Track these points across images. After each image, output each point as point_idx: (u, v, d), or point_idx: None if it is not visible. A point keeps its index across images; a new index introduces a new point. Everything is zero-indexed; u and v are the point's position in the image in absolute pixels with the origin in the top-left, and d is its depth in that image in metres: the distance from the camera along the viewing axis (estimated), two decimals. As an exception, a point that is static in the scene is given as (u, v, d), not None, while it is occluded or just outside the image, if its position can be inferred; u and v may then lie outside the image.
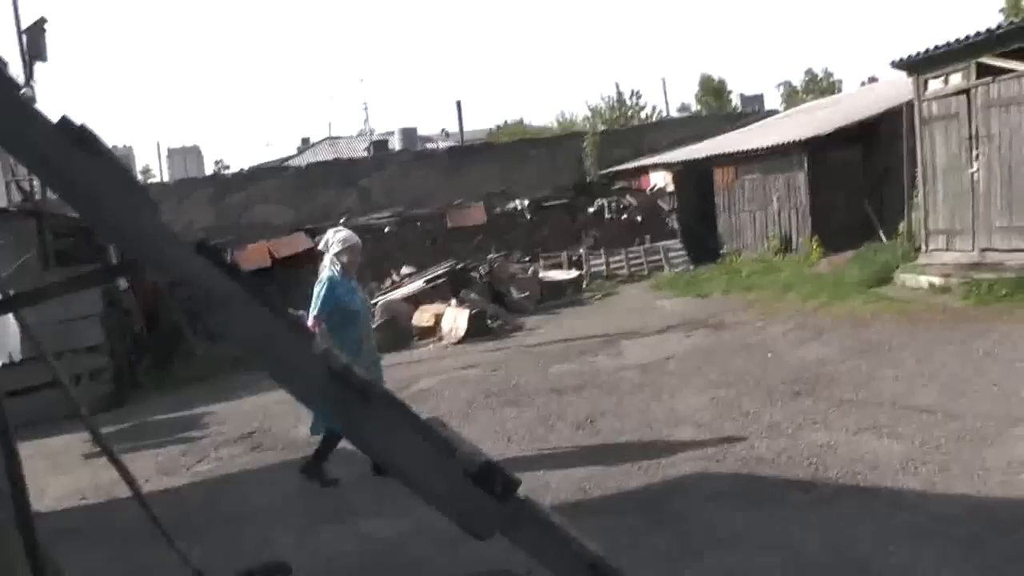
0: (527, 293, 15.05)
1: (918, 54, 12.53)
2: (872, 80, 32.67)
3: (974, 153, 11.79)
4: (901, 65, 12.97)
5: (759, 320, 10.90)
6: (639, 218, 19.01)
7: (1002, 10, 31.46)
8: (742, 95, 44.40)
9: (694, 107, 45.42)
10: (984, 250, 11.58)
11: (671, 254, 17.78)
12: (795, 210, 16.14)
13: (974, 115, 11.81)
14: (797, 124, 18.68)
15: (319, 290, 5.89)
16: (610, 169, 21.85)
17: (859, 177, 15.78)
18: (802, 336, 9.56)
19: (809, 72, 50.67)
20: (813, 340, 9.24)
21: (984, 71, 11.76)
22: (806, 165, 15.71)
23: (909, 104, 13.18)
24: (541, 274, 16.25)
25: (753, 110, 32.33)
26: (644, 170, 20.73)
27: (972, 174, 11.82)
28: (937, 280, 11.15)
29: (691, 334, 10.60)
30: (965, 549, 3.93)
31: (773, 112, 28.65)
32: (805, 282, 12.70)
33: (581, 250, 17.88)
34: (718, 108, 40.04)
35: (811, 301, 11.49)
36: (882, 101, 16.25)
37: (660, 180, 19.95)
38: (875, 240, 14.38)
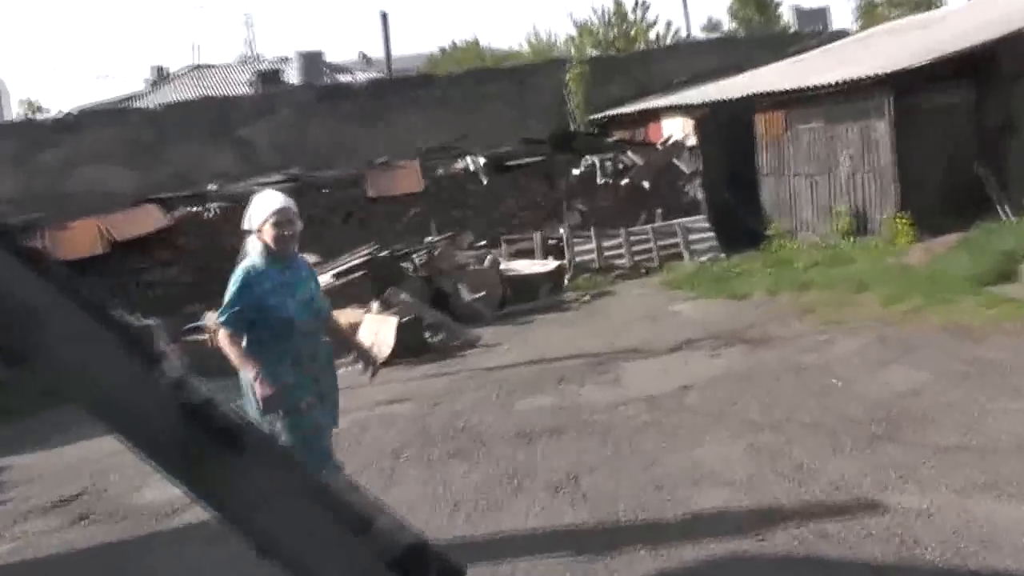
0: (483, 293, 15.07)
1: None
2: None
3: None
4: None
5: (820, 332, 10.98)
6: (646, 184, 19.16)
7: None
8: (797, 8, 44.90)
9: (727, 24, 45.52)
10: None
11: (693, 237, 17.89)
12: (873, 174, 16.21)
13: None
14: (878, 52, 18.85)
15: (231, 285, 5.63)
16: (604, 114, 22.00)
17: (968, 129, 15.88)
18: (883, 355, 9.65)
19: None
20: (899, 361, 9.32)
21: None
22: (890, 111, 15.76)
23: None
24: (504, 265, 16.27)
25: (814, 30, 32.51)
26: (653, 115, 20.81)
27: None
28: None
29: (721, 353, 10.67)
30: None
31: (843, 34, 28.88)
32: (888, 278, 12.86)
33: (562, 230, 17.97)
34: (762, 26, 40.10)
35: (897, 305, 11.70)
36: (1004, 22, 16.34)
37: (676, 130, 20.04)
38: (992, 218, 14.54)
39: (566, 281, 16.27)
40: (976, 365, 8.77)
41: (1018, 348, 9.17)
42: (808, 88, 17.09)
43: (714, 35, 41.23)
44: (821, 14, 43.45)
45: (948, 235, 14.11)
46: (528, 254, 17.40)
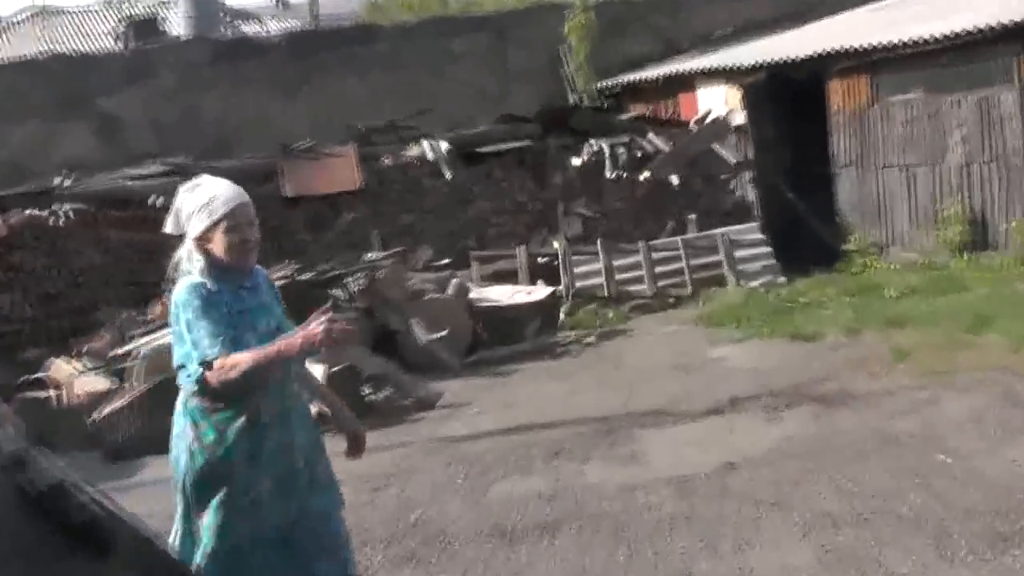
0: (445, 332, 15.07)
1: None
2: None
3: None
4: None
5: (921, 388, 11.02)
6: (675, 180, 19.26)
7: None
8: None
9: None
10: None
11: (741, 253, 18.05)
12: (998, 165, 16.45)
13: None
14: None
15: (186, 314, 5.24)
16: (616, 80, 22.19)
17: None
18: (1012, 420, 9.64)
19: None
20: None
21: None
22: (1018, 76, 15.99)
23: None
24: (476, 293, 16.33)
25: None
26: (686, 83, 21.09)
27: None
28: None
29: (781, 416, 10.68)
30: None
31: None
32: (1020, 311, 12.92)
33: (557, 244, 18.03)
34: None
35: None
36: None
37: (718, 104, 20.30)
38: None
39: (562, 315, 16.28)
40: None
41: None
42: (905, 43, 17.21)
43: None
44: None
45: None
46: (509, 277, 17.35)
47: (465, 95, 21.38)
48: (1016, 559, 6.66)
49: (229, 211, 5.27)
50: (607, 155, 19.52)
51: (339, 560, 5.44)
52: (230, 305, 5.28)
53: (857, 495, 8.09)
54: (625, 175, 19.23)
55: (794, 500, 8.18)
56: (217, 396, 5.14)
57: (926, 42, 16.96)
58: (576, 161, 19.54)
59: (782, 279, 17.23)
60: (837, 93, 18.80)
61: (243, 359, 4.95)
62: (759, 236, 18.26)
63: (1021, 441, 8.98)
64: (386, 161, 19.69)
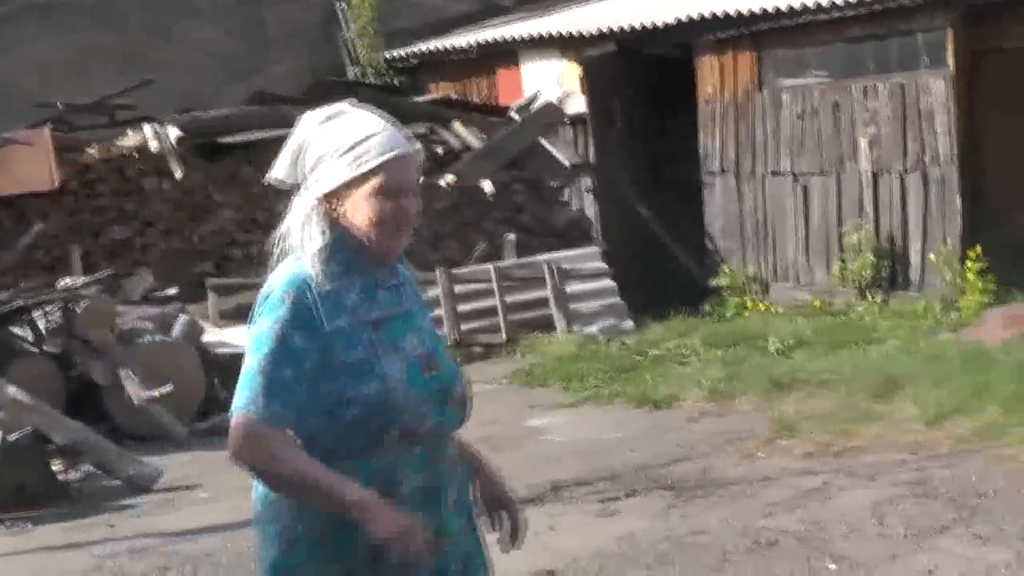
0: (170, 388, 14.55)
1: None
2: None
3: None
4: None
5: (808, 473, 11.27)
6: (487, 186, 19.29)
7: None
8: None
9: None
10: None
11: (576, 287, 18.06)
12: (921, 174, 16.85)
13: None
14: None
15: (262, 325, 4.40)
16: (410, 49, 22.44)
17: None
18: (927, 515, 9.82)
19: None
20: (955, 530, 9.47)
21: None
22: (951, 55, 16.46)
23: None
24: (212, 336, 16.19)
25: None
26: (507, 55, 21.27)
27: None
28: None
29: (620, 508, 10.61)
30: None
31: None
32: (940, 371, 13.19)
33: None
34: None
35: (955, 421, 12.10)
36: None
37: (549, 83, 20.43)
38: None
39: None
40: None
41: None
42: (801, 8, 17.41)
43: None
44: None
45: None
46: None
47: (204, 64, 21.12)
48: None
49: (389, 161, 4.32)
50: (397, 150, 19.46)
51: None
52: (360, 313, 4.41)
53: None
54: (420, 179, 18.80)
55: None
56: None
57: (828, 8, 17.13)
58: (356, 157, 19.26)
59: (629, 324, 17.33)
60: (710, 74, 18.95)
61: (293, 462, 4.15)
62: (600, 265, 18.27)
63: (934, 544, 9.14)
64: (93, 153, 19.09)
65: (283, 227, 4.44)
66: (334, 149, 4.34)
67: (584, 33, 20.17)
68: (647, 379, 14.66)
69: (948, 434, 11.71)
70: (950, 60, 16.26)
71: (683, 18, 18.89)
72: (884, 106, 16.94)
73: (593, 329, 17.28)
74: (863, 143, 17.11)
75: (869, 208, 17.15)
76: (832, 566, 8.83)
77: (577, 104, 19.86)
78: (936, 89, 16.33)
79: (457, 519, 4.61)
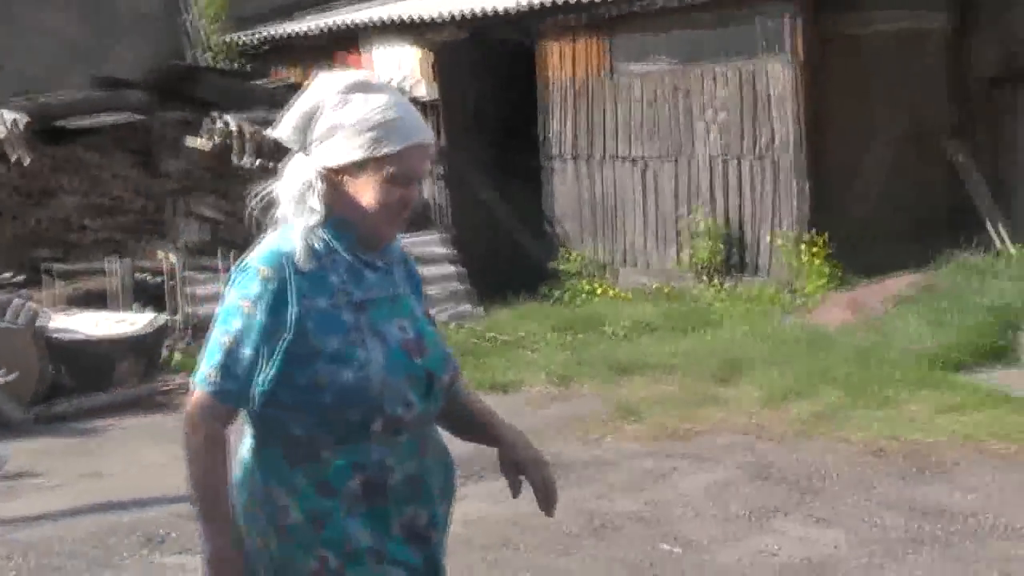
0: (6, 375, 14.01)
1: None
2: None
3: None
4: None
5: (649, 456, 11.20)
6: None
7: None
8: None
9: None
10: None
11: (423, 272, 17.45)
12: (762, 160, 16.95)
13: None
14: None
15: (230, 297, 4.14)
16: (256, 33, 22.12)
17: (942, 82, 16.98)
18: (763, 498, 9.86)
19: None
20: (794, 510, 9.54)
21: None
22: (793, 40, 16.51)
23: None
24: (54, 322, 15.45)
25: None
26: (352, 41, 21.07)
27: None
28: None
29: (467, 493, 9.98)
30: None
31: None
32: (780, 354, 13.66)
33: (170, 256, 17.44)
34: None
35: (793, 405, 12.22)
36: None
37: (398, 70, 20.10)
38: (977, 246, 15.33)
39: (174, 354, 15.56)
40: (934, 521, 9.07)
41: (1011, 488, 9.67)
42: None
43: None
44: None
45: (896, 277, 14.74)
46: (100, 301, 16.62)
47: (48, 48, 20.59)
48: None
49: (406, 148, 3.98)
50: (237, 137, 18.83)
51: None
52: (346, 288, 4.06)
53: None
54: (267, 165, 18.06)
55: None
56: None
57: None
58: (198, 143, 18.75)
59: (477, 309, 17.07)
60: (555, 59, 18.94)
61: (203, 458, 3.91)
62: (445, 251, 18.08)
63: (772, 525, 9.19)
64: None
65: (272, 194, 4.15)
66: (353, 123, 3.98)
67: (433, 18, 19.88)
68: (492, 365, 14.37)
69: (788, 417, 11.78)
70: (797, 47, 16.16)
71: (529, 4, 18.65)
72: (729, 92, 16.92)
73: (443, 315, 16.76)
74: (704, 128, 17.08)
75: (712, 193, 17.09)
76: (673, 548, 8.75)
77: (427, 91, 19.56)
78: (781, 76, 16.30)
79: (445, 507, 4.33)
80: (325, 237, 4.01)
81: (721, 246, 16.70)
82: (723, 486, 10.12)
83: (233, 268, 4.11)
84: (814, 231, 15.78)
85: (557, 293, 17.64)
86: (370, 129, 3.93)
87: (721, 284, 16.50)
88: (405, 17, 20.34)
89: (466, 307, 17.04)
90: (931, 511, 9.16)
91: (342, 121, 3.94)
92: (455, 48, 19.49)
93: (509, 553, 8.95)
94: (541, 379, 13.72)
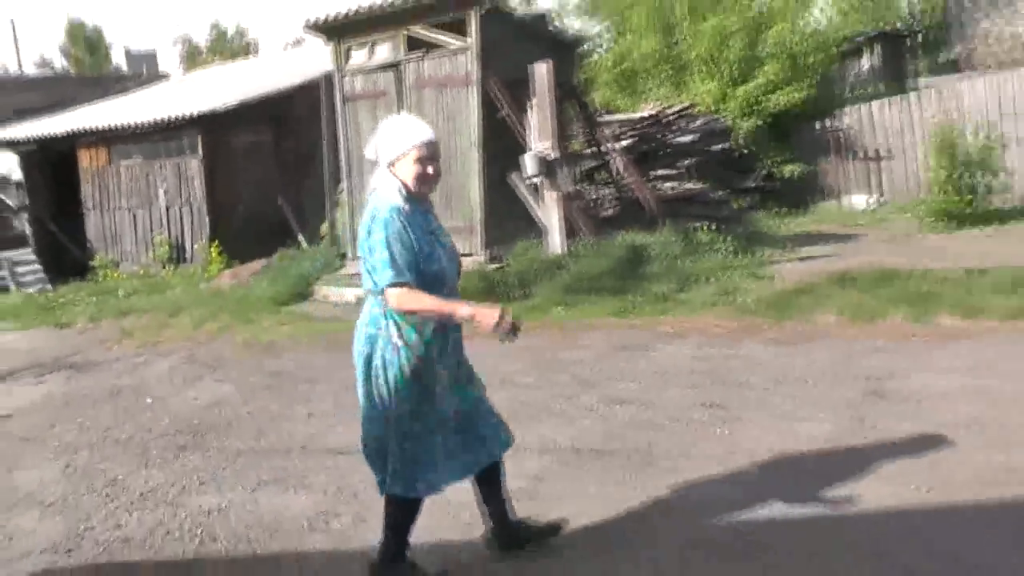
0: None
1: (339, 16, 14.87)
2: (298, 44, 37.64)
3: None
4: (318, 27, 15.29)
5: (137, 355, 11.93)
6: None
7: None
8: (128, 51, 47.30)
9: (59, 62, 47.99)
10: None
11: (20, 269, 18.65)
12: (189, 207, 18.25)
13: (404, 95, 14.75)
14: (192, 95, 20.70)
15: (380, 234, 4.71)
16: None
17: (272, 165, 18.35)
18: (193, 372, 10.57)
19: (217, 28, 57.00)
20: (207, 376, 10.26)
21: (415, 44, 14.51)
22: (201, 148, 17.91)
23: (329, 77, 15.71)
24: None
25: (142, 72, 35.06)
26: None
27: None
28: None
29: (44, 379, 11.08)
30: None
31: (166, 76, 31.95)
32: (201, 301, 14.20)
33: None
34: (94, 67, 42.56)
35: (208, 325, 13.02)
36: (300, 71, 18.93)
37: (2, 165, 20.75)
38: (293, 245, 16.76)
39: None
40: (273, 377, 9.86)
41: (311, 359, 10.50)
42: (126, 126, 18.54)
43: (46, 72, 41.98)
44: (151, 57, 45.78)
45: (255, 261, 15.99)
46: None
47: None
48: (191, 460, 7.49)
49: (420, 143, 4.81)
50: None
51: (496, 423, 5.20)
52: (420, 224, 4.83)
53: (91, 429, 8.64)
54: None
55: (48, 436, 8.55)
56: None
57: (140, 126, 18.59)
58: None
59: (49, 288, 17.97)
60: (85, 158, 20.08)
61: (427, 301, 4.66)
62: (32, 257, 19.21)
63: (198, 385, 10.01)
64: None
65: (372, 184, 4.91)
66: (393, 138, 4.82)
67: (19, 139, 20.96)
68: (61, 312, 15.47)
69: (205, 331, 12.95)
70: (201, 150, 18.10)
71: (71, 130, 20.28)
72: (170, 174, 18.64)
73: (31, 289, 17.91)
74: (161, 191, 18.78)
75: (166, 224, 18.90)
76: (148, 400, 9.62)
77: (18, 175, 20.84)
78: (195, 165, 18.24)
79: (457, 332, 5.05)
80: (406, 199, 4.75)
81: (171, 249, 18.23)
82: (174, 367, 10.93)
83: (370, 218, 4.72)
84: (215, 240, 17.46)
85: (91, 277, 18.68)
86: (398, 139, 4.80)
87: (173, 269, 17.78)
88: (11, 138, 21.17)
89: (43, 286, 18.13)
90: (275, 373, 10.12)
91: (387, 140, 4.82)
92: (32, 154, 20.47)
93: (65, 409, 9.58)
94: (82, 320, 14.72)
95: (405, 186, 4.78)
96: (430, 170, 4.81)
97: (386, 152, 4.82)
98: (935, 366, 8.13)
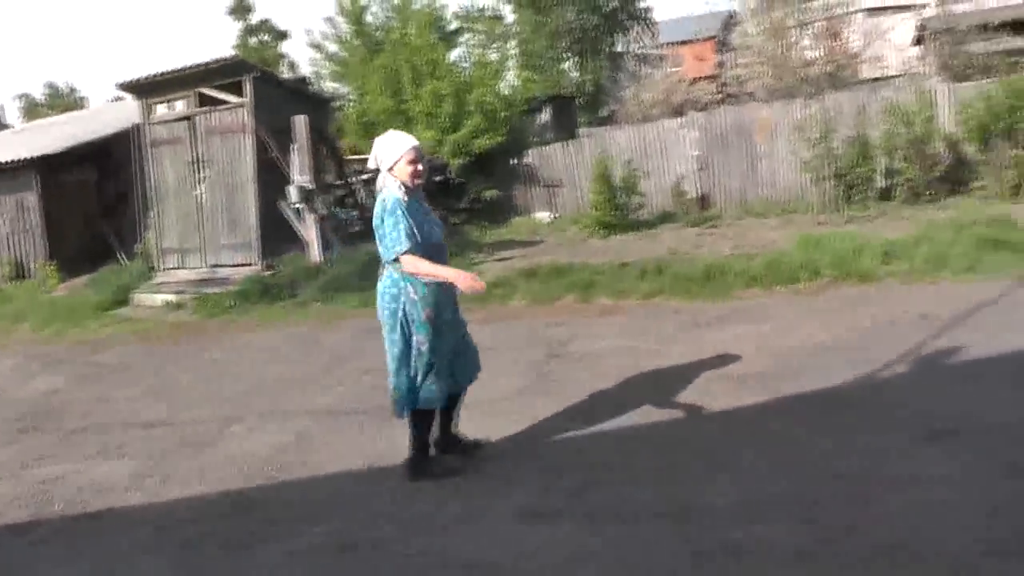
0: None
1: (145, 78, 14.90)
2: (120, 99, 37.22)
3: (198, 176, 14.70)
4: (128, 87, 15.19)
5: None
6: None
7: (235, 46, 39.62)
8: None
9: None
10: (213, 266, 14.40)
11: None
12: (28, 233, 17.32)
13: (197, 141, 14.75)
14: (30, 141, 19.68)
15: (390, 218, 4.98)
16: None
17: (95, 198, 17.78)
18: (32, 368, 9.94)
19: (51, 86, 56.56)
20: (44, 371, 9.66)
21: (204, 100, 14.60)
22: (38, 185, 17.13)
23: (139, 127, 15.46)
24: None
25: (-5, 124, 31.31)
26: None
27: (197, 196, 14.67)
28: (172, 297, 13.18)
29: None
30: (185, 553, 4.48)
31: (8, 126, 29.87)
32: (40, 309, 13.38)
33: None
34: None
35: (46, 329, 12.21)
36: (119, 121, 18.34)
37: None
38: (115, 262, 16.19)
39: None
40: (98, 368, 9.49)
41: (130, 353, 10.09)
42: None
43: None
44: (-2, 110, 41.83)
45: (84, 276, 15.41)
46: None
47: None
48: (31, 440, 7.14)
49: (408, 149, 5.09)
50: None
51: (473, 358, 5.52)
52: (418, 209, 5.08)
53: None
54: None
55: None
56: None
57: None
58: None
59: None
60: None
61: (425, 265, 4.94)
62: None
63: (39, 379, 9.45)
64: None
65: (379, 184, 5.16)
66: (387, 149, 5.11)
67: None
68: None
69: (43, 334, 12.15)
70: (37, 187, 17.35)
71: None
72: (12, 207, 17.85)
73: None
74: (5, 221, 18.15)
75: (9, 246, 18.10)
76: None
77: None
78: (32, 200, 17.43)
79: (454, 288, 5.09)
80: (404, 191, 5.03)
81: (13, 269, 17.37)
82: (18, 363, 10.45)
83: (381, 208, 5.03)
84: (52, 260, 16.76)
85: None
86: (391, 149, 5.11)
87: (17, 284, 16.88)
88: None
89: None
90: (100, 365, 9.61)
91: (383, 151, 5.13)
92: None
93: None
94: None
95: (403, 183, 5.05)
96: (419, 167, 5.08)
97: (385, 160, 5.08)
98: (596, 334, 8.36)
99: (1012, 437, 4.85)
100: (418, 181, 5.07)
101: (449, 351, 5.12)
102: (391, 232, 4.89)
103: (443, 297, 5.08)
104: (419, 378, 5.01)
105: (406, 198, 4.98)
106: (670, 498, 4.48)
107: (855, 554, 3.76)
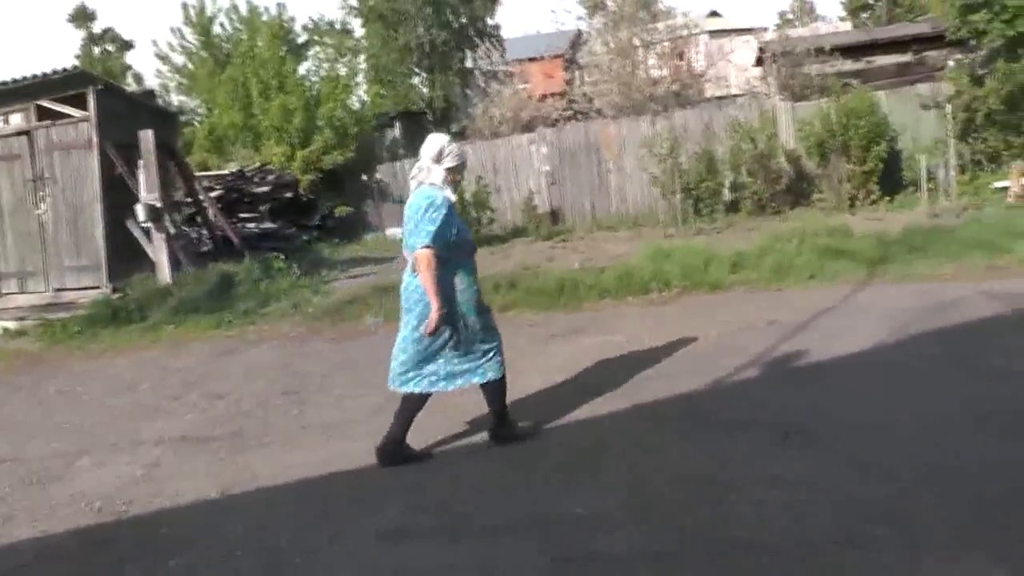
0: None
1: None
2: None
3: (40, 194, 14.05)
4: None
5: None
6: None
7: (78, 56, 38.04)
8: None
9: None
10: (58, 290, 13.74)
11: None
12: None
13: (37, 157, 14.02)
14: None
15: (434, 214, 5.33)
16: None
17: None
18: None
19: None
20: None
21: (45, 114, 13.88)
22: None
23: None
24: None
25: None
26: None
27: (40, 215, 14.02)
28: (11, 324, 12.53)
29: None
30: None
31: None
32: None
33: None
34: None
35: None
36: None
37: None
38: None
39: None
40: None
41: None
42: None
43: None
44: None
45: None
46: None
47: None
48: None
49: (465, 162, 5.65)
50: None
51: (480, 360, 5.83)
52: (454, 210, 5.48)
53: None
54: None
55: None
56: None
57: None
58: None
59: None
60: None
61: (431, 274, 5.33)
62: None
63: None
64: None
65: (424, 170, 5.57)
66: (450, 152, 5.58)
67: None
68: None
69: None
70: None
71: None
72: None
73: None
74: None
75: None
76: None
77: None
78: None
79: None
80: (449, 191, 5.50)
81: None
82: None
83: (427, 201, 5.43)
84: None
85: None
86: (453, 154, 5.60)
87: None
88: None
89: None
90: None
91: (447, 151, 5.61)
92: None
93: None
94: None
95: (450, 186, 5.48)
96: (459, 179, 5.72)
97: (449, 159, 5.52)
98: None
99: (858, 435, 5.22)
100: (454, 189, 5.68)
101: (450, 348, 5.54)
102: (427, 226, 5.25)
103: (471, 294, 5.56)
104: (430, 365, 5.56)
105: (449, 198, 5.43)
106: (530, 510, 4.61)
107: (715, 550, 3.98)
